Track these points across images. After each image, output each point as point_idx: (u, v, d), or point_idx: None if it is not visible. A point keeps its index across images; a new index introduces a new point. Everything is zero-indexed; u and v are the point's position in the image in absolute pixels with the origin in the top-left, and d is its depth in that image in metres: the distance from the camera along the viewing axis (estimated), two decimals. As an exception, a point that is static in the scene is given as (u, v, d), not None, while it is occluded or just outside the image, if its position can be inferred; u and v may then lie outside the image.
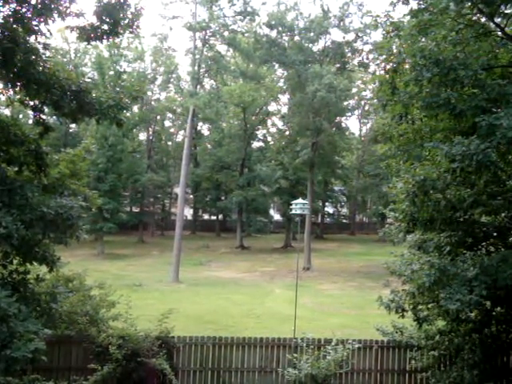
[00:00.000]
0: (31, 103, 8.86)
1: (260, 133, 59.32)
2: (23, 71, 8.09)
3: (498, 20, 9.42)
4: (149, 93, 56.48)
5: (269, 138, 60.48)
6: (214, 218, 65.50)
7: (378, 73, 10.70)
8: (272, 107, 56.83)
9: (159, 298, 25.79)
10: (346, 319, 22.20)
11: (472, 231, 9.98)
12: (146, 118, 56.37)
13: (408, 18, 9.41)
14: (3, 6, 8.09)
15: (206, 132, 64.67)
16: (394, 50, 9.41)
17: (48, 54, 8.60)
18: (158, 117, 60.25)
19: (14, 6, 8.04)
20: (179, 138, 64.30)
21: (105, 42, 9.01)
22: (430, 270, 8.99)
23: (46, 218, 8.03)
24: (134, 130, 55.74)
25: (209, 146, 60.90)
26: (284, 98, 55.45)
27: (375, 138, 38.86)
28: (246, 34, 40.37)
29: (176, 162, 58.74)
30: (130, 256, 44.08)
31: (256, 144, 58.79)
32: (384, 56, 9.54)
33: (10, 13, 8.01)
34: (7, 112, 10.56)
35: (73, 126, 53.95)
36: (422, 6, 9.10)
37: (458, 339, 11.12)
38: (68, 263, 11.91)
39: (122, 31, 8.78)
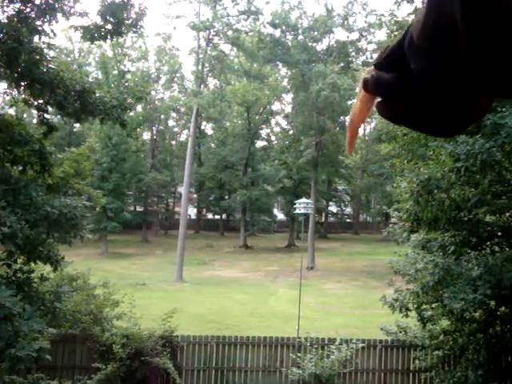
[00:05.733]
0: (35, 103, 8.89)
1: (264, 132, 59.25)
2: (27, 71, 8.11)
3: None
4: (152, 92, 56.47)
5: (272, 138, 60.43)
6: (217, 217, 65.52)
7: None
8: (276, 107, 56.84)
9: (163, 297, 25.80)
10: (350, 319, 22.17)
11: (476, 231, 9.95)
12: (150, 118, 56.44)
13: (412, 16, 9.38)
14: (7, 6, 8.12)
15: (209, 131, 64.64)
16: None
17: (52, 53, 8.65)
18: (162, 116, 60.23)
19: (18, 5, 8.07)
20: (183, 137, 64.28)
21: (108, 41, 9.03)
22: (434, 270, 8.97)
23: (50, 217, 8.07)
24: (138, 130, 55.81)
25: (212, 145, 60.84)
26: (288, 98, 55.45)
27: (379, 137, 38.72)
28: (250, 34, 40.34)
29: (180, 162, 58.70)
30: (133, 255, 44.14)
31: (260, 143, 58.70)
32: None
33: (14, 13, 8.04)
34: (11, 112, 10.58)
35: (77, 125, 54.09)
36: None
37: (463, 339, 11.09)
38: (72, 262, 11.94)
39: (125, 31, 8.81)
